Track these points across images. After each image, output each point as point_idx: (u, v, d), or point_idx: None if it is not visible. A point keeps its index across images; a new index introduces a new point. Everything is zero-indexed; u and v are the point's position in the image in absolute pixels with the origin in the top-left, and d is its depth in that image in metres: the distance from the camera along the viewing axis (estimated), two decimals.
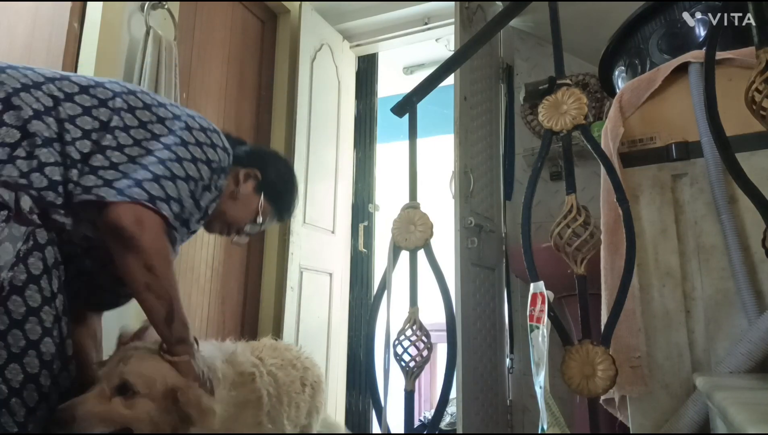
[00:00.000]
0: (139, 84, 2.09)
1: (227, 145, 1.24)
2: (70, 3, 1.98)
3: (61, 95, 1.08)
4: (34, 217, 0.98)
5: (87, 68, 1.95)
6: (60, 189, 1.02)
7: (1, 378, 0.92)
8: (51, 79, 1.10)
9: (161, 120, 1.16)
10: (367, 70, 3.61)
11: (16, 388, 0.93)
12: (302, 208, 2.96)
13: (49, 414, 0.98)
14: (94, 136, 1.07)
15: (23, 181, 0.98)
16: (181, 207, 1.09)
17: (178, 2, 2.40)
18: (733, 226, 1.14)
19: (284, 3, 3.16)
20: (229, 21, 2.83)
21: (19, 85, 1.04)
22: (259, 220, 1.37)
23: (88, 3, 2.02)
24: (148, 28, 2.15)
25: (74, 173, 1.04)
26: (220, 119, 2.72)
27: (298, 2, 3.12)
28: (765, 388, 0.90)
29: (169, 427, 1.01)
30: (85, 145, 1.06)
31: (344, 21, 3.36)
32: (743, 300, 1.10)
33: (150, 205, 1.03)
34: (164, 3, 2.26)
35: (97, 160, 1.06)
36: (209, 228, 1.36)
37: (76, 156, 1.04)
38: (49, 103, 1.06)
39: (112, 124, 1.10)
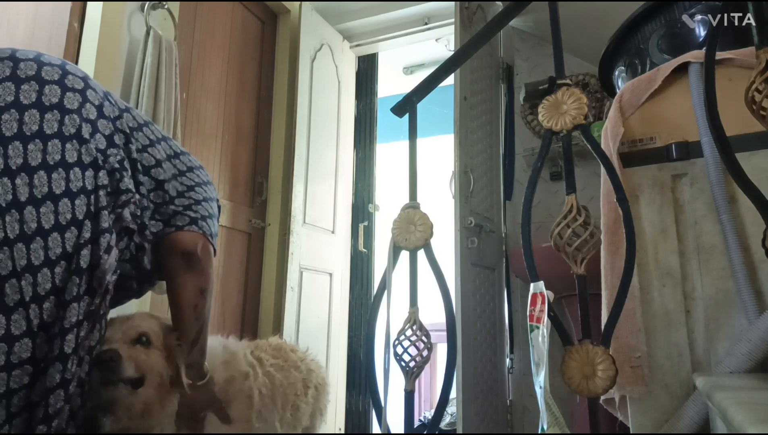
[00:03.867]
0: (140, 84, 2.09)
1: None
2: (70, 3, 1.98)
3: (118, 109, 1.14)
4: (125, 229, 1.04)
5: (87, 68, 1.95)
6: (140, 202, 1.09)
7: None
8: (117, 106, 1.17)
9: (177, 155, 1.22)
10: (367, 70, 3.61)
11: (70, 394, 0.95)
12: (302, 208, 2.96)
13: (84, 420, 1.00)
14: (135, 155, 1.13)
15: (131, 195, 1.05)
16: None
17: (178, 2, 2.39)
18: (733, 226, 1.14)
19: (284, 3, 3.17)
20: (229, 21, 2.83)
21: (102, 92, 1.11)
22: None
23: (88, 3, 2.02)
24: (148, 28, 2.15)
25: (143, 188, 1.11)
26: (220, 119, 2.72)
27: (298, 2, 3.12)
28: (765, 388, 0.90)
29: (168, 379, 1.11)
30: (136, 161, 1.12)
31: (344, 21, 3.36)
32: (743, 300, 1.10)
33: (210, 239, 1.16)
34: (164, 3, 2.26)
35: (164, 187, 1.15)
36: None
37: (140, 166, 1.12)
38: (116, 113, 1.12)
39: (156, 156, 1.16)
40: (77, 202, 0.96)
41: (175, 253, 1.11)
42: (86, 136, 1.00)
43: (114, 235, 1.00)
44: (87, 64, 1.96)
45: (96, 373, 1.00)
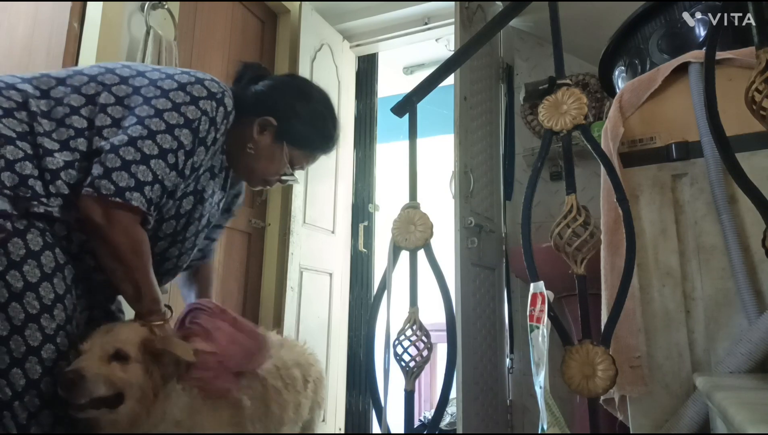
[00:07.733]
0: None
1: (217, 90, 1.17)
2: (70, 3, 1.98)
3: (37, 93, 1.09)
4: (7, 223, 0.96)
5: None
6: (32, 181, 1.01)
7: (5, 380, 0.94)
8: (29, 79, 1.11)
9: (137, 90, 1.14)
10: (367, 70, 3.60)
11: (18, 392, 0.95)
12: (302, 208, 2.96)
13: (53, 420, 0.99)
14: (67, 121, 1.07)
15: None
16: (161, 187, 1.08)
17: (178, 2, 2.39)
18: (733, 226, 1.14)
19: (284, 3, 3.16)
20: (229, 21, 2.83)
21: None
22: (289, 170, 1.32)
23: (88, 3, 2.02)
24: (148, 28, 2.15)
25: (49, 161, 1.03)
26: None
27: (298, 2, 3.12)
28: (765, 388, 0.90)
29: (152, 392, 1.06)
30: (62, 134, 1.06)
31: (344, 21, 3.36)
32: (743, 300, 1.10)
33: (118, 198, 1.02)
34: (164, 3, 2.26)
35: (80, 145, 1.07)
36: (251, 185, 1.38)
37: (51, 146, 1.04)
38: (19, 99, 1.07)
39: (85, 110, 1.10)
40: None
41: (82, 222, 1.04)
42: None
43: None
44: (87, 64, 1.96)
45: (64, 393, 0.97)
